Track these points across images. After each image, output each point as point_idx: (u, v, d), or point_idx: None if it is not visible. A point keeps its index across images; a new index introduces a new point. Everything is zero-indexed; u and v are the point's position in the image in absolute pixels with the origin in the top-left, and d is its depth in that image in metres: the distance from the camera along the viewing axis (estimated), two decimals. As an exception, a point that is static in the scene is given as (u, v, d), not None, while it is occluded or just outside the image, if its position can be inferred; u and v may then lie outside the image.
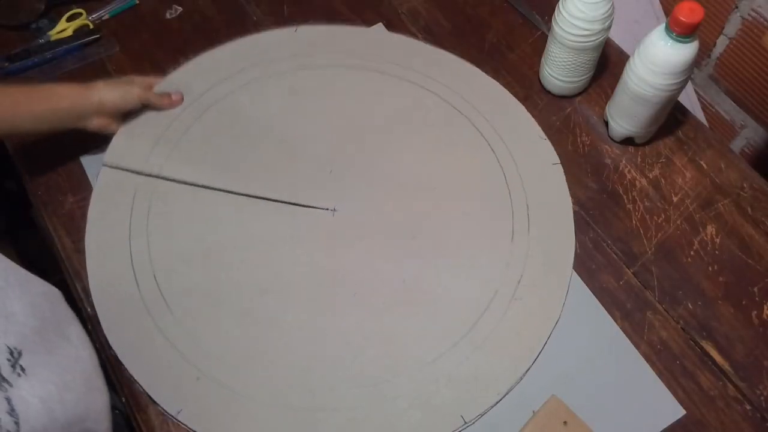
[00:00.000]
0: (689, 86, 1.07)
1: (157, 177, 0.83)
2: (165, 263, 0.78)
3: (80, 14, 0.99)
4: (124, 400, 0.71)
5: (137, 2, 1.02)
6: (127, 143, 0.86)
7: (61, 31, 0.97)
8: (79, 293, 0.77)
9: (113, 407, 0.66)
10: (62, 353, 0.56)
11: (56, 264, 0.81)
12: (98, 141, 0.87)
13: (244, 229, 0.80)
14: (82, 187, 0.84)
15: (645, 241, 0.79)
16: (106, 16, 1.00)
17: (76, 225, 0.81)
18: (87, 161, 0.86)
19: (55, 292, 0.60)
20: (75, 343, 0.58)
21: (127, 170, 0.84)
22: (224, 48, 0.95)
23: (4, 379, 0.47)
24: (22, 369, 0.49)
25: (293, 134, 0.88)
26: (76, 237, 0.80)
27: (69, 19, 0.98)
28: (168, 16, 1.01)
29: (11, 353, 0.49)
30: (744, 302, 0.75)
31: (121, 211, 0.81)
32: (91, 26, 0.98)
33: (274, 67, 0.93)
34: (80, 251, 0.79)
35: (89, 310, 0.76)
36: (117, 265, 0.78)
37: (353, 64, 0.94)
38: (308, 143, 0.87)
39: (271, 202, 0.82)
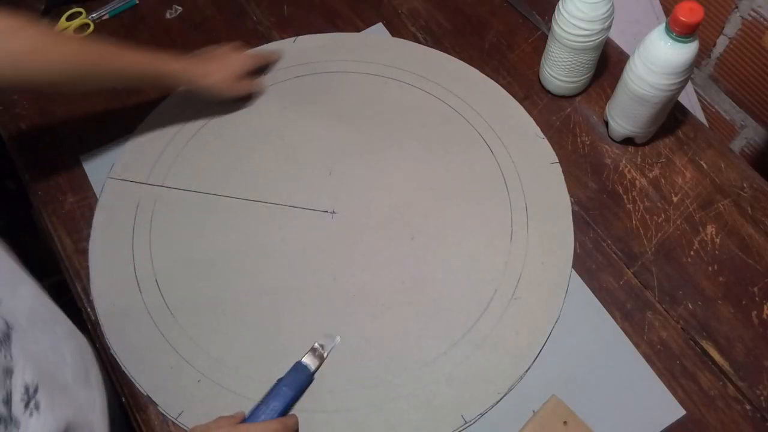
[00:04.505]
0: (689, 86, 1.07)
1: (161, 186, 0.84)
2: (167, 267, 0.78)
3: (80, 13, 0.99)
4: (124, 400, 0.71)
5: (137, 2, 1.02)
6: (132, 156, 0.87)
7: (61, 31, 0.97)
8: (79, 293, 0.77)
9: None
10: (80, 395, 0.56)
11: (56, 264, 0.81)
12: (98, 140, 0.88)
13: (243, 233, 0.81)
14: (82, 187, 0.84)
15: (645, 241, 0.79)
16: (106, 16, 1.00)
17: (76, 225, 0.81)
18: (87, 161, 0.86)
19: (82, 340, 0.60)
20: (93, 385, 0.58)
21: (131, 181, 0.84)
22: None
23: (13, 421, 0.47)
24: (36, 406, 0.49)
25: (292, 138, 0.88)
26: (77, 237, 0.80)
27: (69, 19, 0.98)
28: (168, 16, 1.01)
29: (26, 390, 0.49)
30: (744, 302, 0.75)
31: (125, 219, 0.82)
32: (92, 26, 0.98)
33: (272, 78, 0.93)
34: (80, 251, 0.79)
35: (89, 310, 0.76)
36: (120, 270, 0.78)
37: (351, 69, 0.94)
38: (307, 147, 0.87)
39: (271, 206, 0.82)
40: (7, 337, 0.50)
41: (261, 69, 0.93)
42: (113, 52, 0.75)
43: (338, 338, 0.73)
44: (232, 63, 0.86)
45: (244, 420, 0.65)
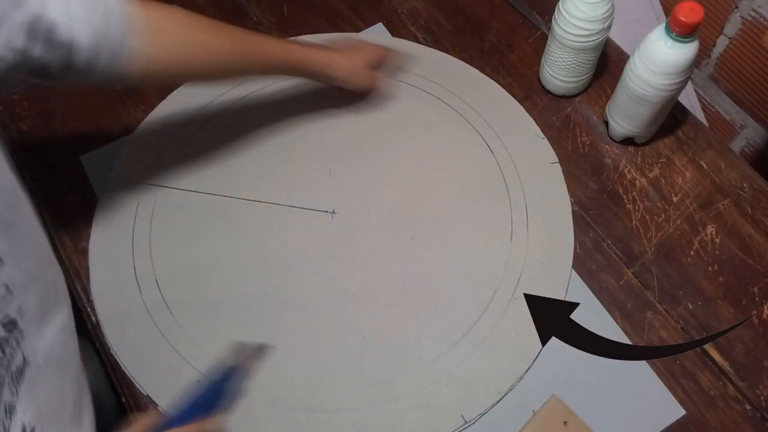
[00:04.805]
0: (689, 86, 1.07)
1: (161, 186, 0.84)
2: (167, 267, 0.78)
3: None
4: (124, 400, 0.71)
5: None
6: (132, 156, 0.86)
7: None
8: (79, 293, 0.77)
9: None
10: None
11: (56, 264, 0.81)
12: (98, 140, 0.88)
13: (243, 233, 0.81)
14: (82, 187, 0.84)
15: (645, 241, 0.79)
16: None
17: (76, 225, 0.81)
18: (87, 161, 0.86)
19: (82, 381, 0.60)
20: (84, 427, 0.58)
21: (131, 181, 0.84)
22: None
23: None
24: None
25: (292, 138, 0.88)
26: (77, 237, 0.80)
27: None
28: (168, 16, 1.00)
29: (23, 430, 0.48)
30: (744, 302, 0.75)
31: (125, 219, 0.82)
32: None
33: (272, 77, 0.93)
34: (80, 251, 0.79)
35: (89, 310, 0.76)
36: (120, 270, 0.78)
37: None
38: (307, 147, 0.87)
39: (271, 206, 0.82)
40: (21, 373, 0.49)
41: (383, 66, 0.91)
42: (260, 41, 0.75)
43: (267, 347, 0.71)
44: (360, 54, 0.85)
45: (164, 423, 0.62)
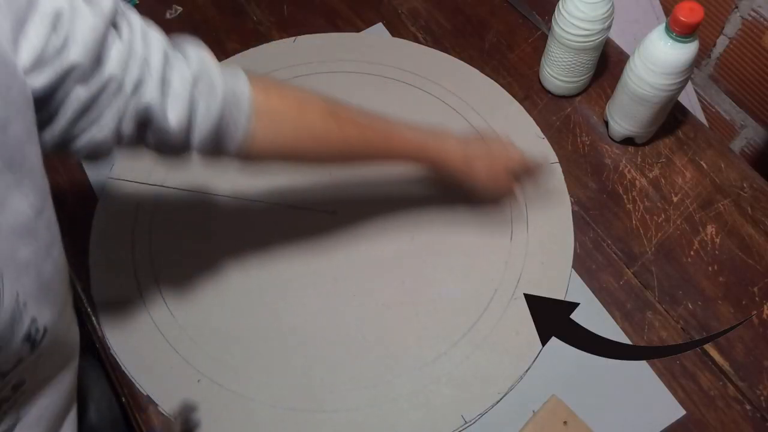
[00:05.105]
0: (689, 86, 1.07)
1: (161, 186, 0.84)
2: (167, 267, 0.78)
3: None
4: (124, 400, 0.71)
5: (137, 2, 1.02)
6: (132, 156, 0.86)
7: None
8: (79, 293, 0.77)
9: None
10: None
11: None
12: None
13: (243, 233, 0.81)
14: (82, 187, 0.84)
15: (645, 241, 0.79)
16: (106, 16, 1.00)
17: (77, 225, 0.81)
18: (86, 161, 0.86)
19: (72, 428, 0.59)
20: None
21: (131, 181, 0.84)
22: (224, 63, 0.95)
23: None
24: None
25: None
26: (77, 237, 0.80)
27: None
28: (168, 16, 1.01)
29: None
30: (744, 302, 0.75)
31: (125, 219, 0.82)
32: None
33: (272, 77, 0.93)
34: (81, 251, 0.79)
35: (89, 310, 0.76)
36: (120, 270, 0.78)
37: (351, 69, 0.94)
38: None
39: (272, 205, 0.82)
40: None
41: (523, 177, 0.79)
42: (387, 131, 0.67)
43: (198, 411, 0.69)
44: (503, 159, 0.75)
45: None
